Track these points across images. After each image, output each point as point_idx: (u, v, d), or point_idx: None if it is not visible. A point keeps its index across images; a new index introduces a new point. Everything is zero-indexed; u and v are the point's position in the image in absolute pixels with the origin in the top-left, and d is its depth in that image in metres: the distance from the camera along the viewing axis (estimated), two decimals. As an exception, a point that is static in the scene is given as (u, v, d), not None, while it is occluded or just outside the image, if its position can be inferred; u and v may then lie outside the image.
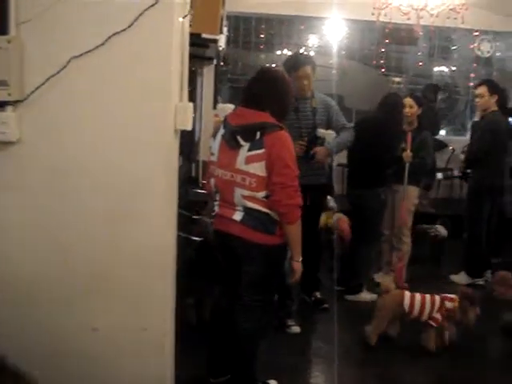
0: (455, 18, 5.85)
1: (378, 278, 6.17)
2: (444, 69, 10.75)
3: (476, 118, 8.54)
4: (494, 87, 6.29)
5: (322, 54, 9.85)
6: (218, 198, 3.64)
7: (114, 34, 2.78)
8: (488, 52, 10.22)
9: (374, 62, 10.08)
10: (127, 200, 3.00)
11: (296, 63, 5.02)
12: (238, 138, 3.41)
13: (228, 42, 8.17)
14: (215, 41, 4.88)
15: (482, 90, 6.26)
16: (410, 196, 6.09)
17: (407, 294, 4.73)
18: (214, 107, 7.57)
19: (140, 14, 2.76)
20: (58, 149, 2.95)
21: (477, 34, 9.73)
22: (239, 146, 3.41)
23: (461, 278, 6.43)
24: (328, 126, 5.13)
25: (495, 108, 6.28)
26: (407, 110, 6.03)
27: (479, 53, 10.22)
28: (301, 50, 9.66)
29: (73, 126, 2.91)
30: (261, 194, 3.41)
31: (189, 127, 3.11)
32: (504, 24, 8.70)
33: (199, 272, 4.46)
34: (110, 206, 3.00)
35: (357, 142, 5.37)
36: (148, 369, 3.17)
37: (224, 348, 3.86)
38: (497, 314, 5.10)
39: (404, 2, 5.91)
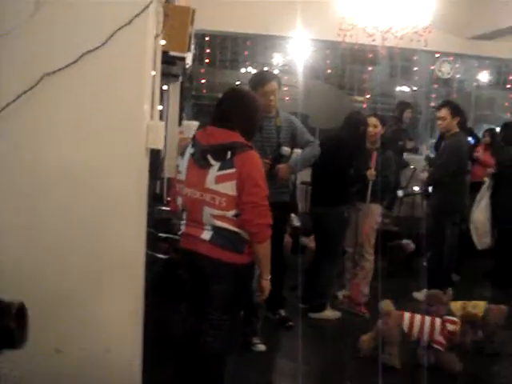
0: (418, 41, 5.94)
1: (341, 295, 6.22)
2: (406, 89, 10.94)
3: (434, 140, 8.74)
4: (455, 109, 6.33)
5: (286, 72, 9.93)
6: (184, 217, 3.62)
7: (86, 52, 2.77)
8: (448, 73, 10.44)
9: (338, 82, 10.22)
10: (97, 217, 2.99)
11: (262, 79, 5.05)
12: (209, 157, 3.41)
13: (193, 59, 8.20)
14: (183, 58, 4.89)
15: (444, 112, 6.28)
16: (373, 214, 6.14)
17: (407, 314, 4.72)
18: (179, 124, 7.56)
19: (113, 33, 2.77)
20: (30, 162, 2.92)
21: (438, 55, 9.95)
22: (209, 166, 3.41)
23: (422, 295, 6.47)
24: (292, 144, 5.17)
25: (457, 129, 6.35)
26: (371, 129, 6.07)
27: (440, 74, 10.44)
28: (265, 68, 9.75)
29: (44, 142, 2.90)
30: (230, 213, 3.41)
31: (160, 146, 3.12)
32: (464, 47, 8.91)
33: (165, 290, 4.43)
34: (80, 223, 2.97)
35: (320, 160, 5.42)
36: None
37: (191, 367, 3.83)
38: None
39: (369, 24, 5.99)
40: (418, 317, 4.71)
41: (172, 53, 4.60)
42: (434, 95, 10.64)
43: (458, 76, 10.66)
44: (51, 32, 2.82)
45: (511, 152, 7.30)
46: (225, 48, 10.01)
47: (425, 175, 6.66)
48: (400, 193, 8.24)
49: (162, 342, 4.53)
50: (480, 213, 7.16)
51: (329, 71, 10.16)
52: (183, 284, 3.89)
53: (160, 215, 5.71)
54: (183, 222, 3.62)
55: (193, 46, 5.86)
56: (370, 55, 8.51)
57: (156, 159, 6.53)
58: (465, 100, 10.04)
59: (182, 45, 4.39)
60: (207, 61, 9.95)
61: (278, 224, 5.10)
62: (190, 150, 3.56)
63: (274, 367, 4.85)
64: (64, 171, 2.93)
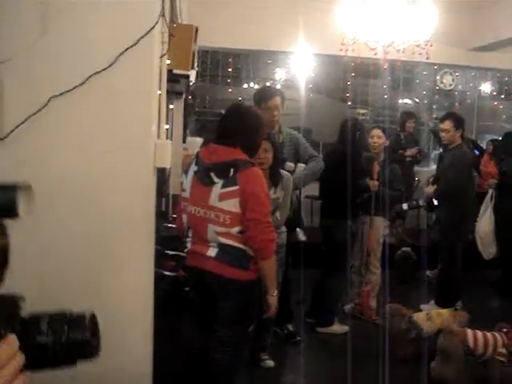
0: (420, 54, 5.96)
1: (350, 307, 6.23)
2: (408, 101, 10.98)
3: (440, 150, 8.73)
4: (458, 121, 6.31)
5: (289, 87, 9.99)
6: (190, 235, 3.63)
7: (93, 74, 2.79)
8: (450, 85, 10.50)
9: (340, 95, 10.26)
10: (107, 236, 3.00)
11: (266, 94, 5.08)
12: (212, 175, 3.42)
13: (196, 75, 8.25)
14: (187, 76, 4.93)
15: (448, 124, 6.27)
16: (377, 227, 6.15)
17: (469, 331, 4.68)
18: (184, 141, 7.59)
19: (120, 54, 2.79)
20: (36, 180, 2.93)
21: (437, 67, 9.99)
22: (212, 183, 3.42)
23: (430, 307, 6.45)
24: (296, 160, 5.19)
25: (460, 141, 6.34)
26: (375, 140, 6.11)
27: (441, 85, 10.50)
28: (267, 84, 9.80)
29: (52, 164, 2.91)
30: (235, 230, 3.42)
31: (168, 165, 3.14)
32: (465, 58, 8.94)
33: (173, 307, 4.43)
34: (89, 243, 2.98)
35: (325, 174, 5.45)
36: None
37: (200, 384, 3.84)
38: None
39: (371, 38, 6.02)
40: (479, 332, 4.67)
41: (176, 71, 4.63)
42: (435, 107, 10.69)
43: (459, 87, 10.70)
44: (58, 54, 2.84)
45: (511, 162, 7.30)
46: (227, 64, 10.06)
47: (430, 189, 6.59)
48: (404, 206, 8.23)
49: (171, 359, 4.53)
50: (484, 223, 7.15)
51: (331, 85, 10.20)
52: (190, 301, 3.90)
53: (166, 232, 5.72)
54: (189, 239, 3.63)
55: (196, 64, 5.91)
56: (372, 69, 8.54)
57: (162, 176, 6.56)
58: (467, 111, 10.08)
59: (185, 63, 4.42)
60: (210, 77, 9.99)
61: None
62: (193, 168, 3.58)
63: (283, 383, 4.84)
64: (73, 190, 2.94)
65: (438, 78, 10.38)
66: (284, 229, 4.77)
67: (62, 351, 1.08)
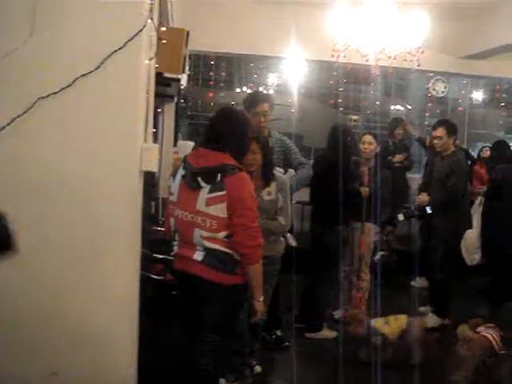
0: (411, 61, 5.98)
1: (337, 314, 6.21)
2: (400, 107, 11.01)
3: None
4: (451, 128, 6.23)
5: (281, 92, 10.01)
6: (177, 238, 3.63)
7: (80, 76, 2.79)
8: (442, 92, 10.52)
9: (332, 101, 10.27)
10: (92, 239, 3.00)
11: (254, 100, 5.08)
12: (199, 179, 3.40)
13: (188, 79, 8.23)
14: (178, 79, 4.92)
15: (440, 131, 6.18)
16: (368, 233, 6.14)
17: (489, 335, 4.68)
18: (175, 144, 7.57)
19: (107, 57, 2.79)
20: (24, 183, 2.93)
21: (431, 74, 10.02)
22: (200, 188, 3.40)
23: (431, 320, 6.20)
24: (285, 165, 5.19)
25: (453, 148, 6.28)
26: (366, 146, 6.10)
27: (434, 92, 10.52)
28: (260, 89, 9.81)
29: (37, 165, 2.90)
30: (221, 235, 3.41)
31: (154, 168, 3.13)
32: (457, 66, 8.95)
33: (159, 311, 4.41)
34: (75, 245, 2.98)
35: (316, 180, 5.44)
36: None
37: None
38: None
39: (363, 44, 6.03)
40: (493, 333, 4.71)
41: (166, 74, 4.62)
42: (427, 113, 10.72)
43: (452, 95, 10.73)
44: (45, 56, 2.84)
45: (502, 170, 7.33)
46: (220, 68, 10.06)
47: (424, 198, 6.40)
48: (400, 217, 8.22)
49: (157, 362, 4.51)
50: (471, 229, 7.15)
51: (323, 91, 10.23)
52: (177, 305, 3.88)
53: (155, 236, 5.70)
54: (176, 242, 3.63)
55: (187, 67, 5.90)
56: (365, 75, 8.54)
57: (151, 180, 6.55)
58: (458, 118, 10.11)
59: (176, 66, 4.40)
60: (202, 81, 9.99)
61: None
62: (181, 172, 3.55)
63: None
64: (58, 192, 2.94)
65: (430, 85, 10.41)
66: (282, 239, 4.64)
67: None
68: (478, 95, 11.04)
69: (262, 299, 3.61)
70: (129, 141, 2.93)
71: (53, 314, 3.02)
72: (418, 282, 7.59)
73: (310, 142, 9.69)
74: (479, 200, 7.35)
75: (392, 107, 10.92)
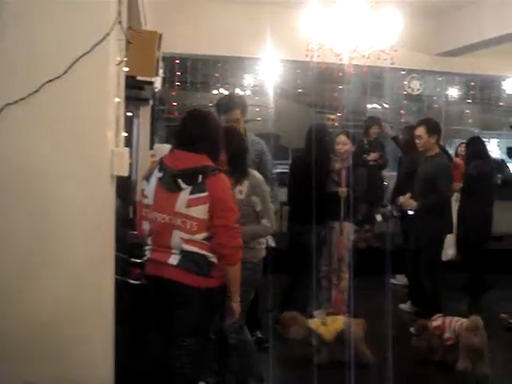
0: (385, 59, 5.99)
1: (317, 314, 6.21)
2: (377, 106, 11.05)
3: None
4: (432, 127, 6.14)
5: (257, 93, 10.01)
6: (150, 243, 3.60)
7: (48, 81, 2.77)
8: (418, 89, 10.58)
9: (309, 101, 10.29)
10: (64, 243, 2.97)
11: (226, 106, 5.01)
12: (179, 181, 3.39)
13: (164, 82, 8.21)
14: (151, 83, 4.89)
15: (420, 131, 6.13)
16: (346, 232, 6.15)
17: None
18: (151, 147, 7.55)
19: (74, 62, 2.77)
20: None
21: (403, 72, 10.09)
22: (180, 190, 3.39)
23: (408, 306, 6.59)
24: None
25: (437, 150, 6.19)
26: (340, 146, 6.10)
27: (409, 90, 10.58)
28: (236, 90, 9.81)
29: (6, 172, 2.87)
30: (200, 237, 3.40)
31: (126, 173, 3.11)
32: (431, 63, 9.01)
33: (137, 315, 4.39)
34: (45, 248, 2.95)
35: (293, 180, 5.44)
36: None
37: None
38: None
39: (336, 43, 6.04)
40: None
41: (140, 78, 4.60)
42: (403, 111, 10.78)
43: (427, 92, 10.80)
44: (13, 62, 2.81)
45: (477, 166, 7.38)
46: (196, 70, 10.05)
47: (409, 201, 6.23)
48: (379, 217, 8.25)
49: (135, 368, 4.48)
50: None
51: (299, 91, 10.24)
52: (153, 309, 3.85)
53: (133, 240, 5.66)
54: (148, 247, 3.59)
55: (161, 70, 5.88)
56: (340, 74, 8.56)
57: (128, 184, 6.52)
58: (435, 115, 10.15)
59: (149, 70, 4.38)
60: (179, 83, 9.96)
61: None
62: (157, 174, 3.53)
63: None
64: (27, 198, 2.91)
65: (405, 83, 10.46)
66: (263, 245, 4.44)
67: None
68: (454, 92, 11.11)
69: (239, 300, 3.61)
70: (99, 145, 2.91)
71: (23, 320, 2.99)
72: (398, 280, 7.63)
73: (287, 142, 9.70)
74: (455, 196, 7.40)
75: (369, 106, 10.95)
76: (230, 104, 5.02)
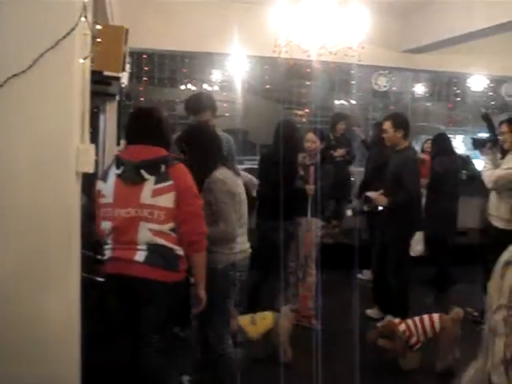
0: (353, 56, 6.00)
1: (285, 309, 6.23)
2: (344, 102, 11.12)
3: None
4: (398, 122, 6.10)
5: (225, 89, 9.99)
6: (111, 241, 3.54)
7: (12, 76, 2.72)
8: (385, 86, 10.67)
9: (277, 97, 10.32)
10: (28, 241, 2.92)
11: (195, 107, 4.98)
12: (142, 172, 3.41)
13: (131, 77, 8.14)
14: (118, 78, 4.85)
15: (387, 125, 6.10)
16: (313, 228, 6.18)
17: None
18: (118, 143, 7.49)
19: (39, 56, 2.73)
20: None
21: (373, 69, 10.16)
22: (143, 180, 3.41)
23: (376, 312, 6.43)
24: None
25: (406, 144, 6.15)
26: (309, 144, 6.12)
27: (376, 87, 10.67)
28: (204, 85, 9.79)
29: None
30: (168, 227, 3.42)
31: (91, 170, 3.08)
32: (398, 60, 9.07)
33: (103, 313, 4.34)
34: (5, 250, 2.91)
35: (262, 176, 5.44)
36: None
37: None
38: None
39: (304, 40, 6.04)
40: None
41: (106, 73, 4.55)
42: (370, 108, 10.87)
43: (394, 89, 10.89)
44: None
45: (443, 162, 7.46)
46: (163, 65, 9.99)
47: (381, 198, 6.14)
48: (349, 212, 8.28)
49: (103, 367, 4.44)
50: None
51: (267, 86, 10.25)
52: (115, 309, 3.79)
53: (98, 238, 5.60)
54: (108, 246, 3.55)
55: (128, 66, 5.82)
56: (308, 70, 8.60)
57: (93, 181, 6.45)
58: (401, 112, 10.25)
59: (116, 65, 4.33)
60: (146, 79, 9.90)
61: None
62: (115, 171, 3.53)
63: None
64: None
65: (372, 79, 10.55)
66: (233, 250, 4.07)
67: None
68: (420, 89, 11.21)
69: (204, 287, 3.62)
70: (64, 141, 2.88)
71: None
72: (365, 275, 7.69)
73: (254, 137, 9.70)
74: (423, 193, 7.47)
75: (336, 102, 11.01)
76: (200, 106, 4.99)
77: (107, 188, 3.52)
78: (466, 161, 8.91)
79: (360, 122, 10.69)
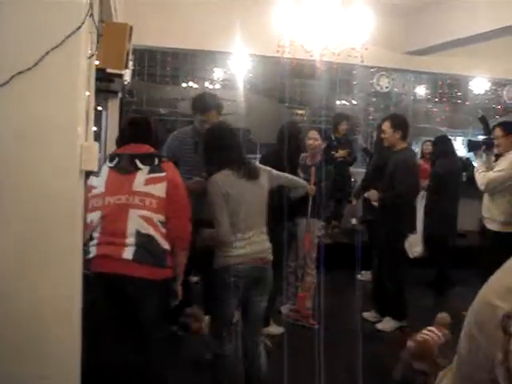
0: (355, 56, 6.02)
1: (287, 309, 6.25)
2: (345, 102, 11.10)
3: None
4: (397, 123, 6.11)
5: (227, 87, 9.97)
6: (97, 236, 3.52)
7: (17, 74, 2.72)
8: (386, 87, 10.69)
9: (279, 96, 10.30)
10: (32, 238, 2.92)
11: (202, 107, 5.06)
12: (137, 161, 3.53)
13: (133, 74, 8.14)
14: (120, 75, 4.86)
15: (386, 125, 6.11)
16: (313, 229, 6.18)
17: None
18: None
19: (45, 55, 2.73)
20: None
21: (372, 70, 10.17)
22: (137, 170, 3.51)
23: (387, 324, 6.26)
24: None
25: (404, 145, 6.15)
26: (311, 141, 6.12)
27: (378, 88, 10.68)
28: (206, 84, 9.78)
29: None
30: (158, 218, 3.46)
31: (95, 168, 3.08)
32: (400, 62, 9.11)
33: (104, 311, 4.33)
34: (9, 247, 2.91)
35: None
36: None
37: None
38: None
39: (307, 40, 6.05)
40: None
41: (109, 70, 4.56)
42: (371, 108, 10.85)
43: (395, 90, 10.89)
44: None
45: (444, 164, 7.47)
46: (166, 63, 9.97)
47: (373, 195, 6.25)
48: (354, 221, 8.30)
49: (102, 364, 4.44)
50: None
51: (269, 86, 10.23)
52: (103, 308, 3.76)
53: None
54: (93, 242, 3.52)
55: (131, 63, 5.83)
56: (311, 70, 8.59)
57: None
58: (402, 113, 10.24)
59: (119, 62, 4.33)
60: (148, 76, 9.88)
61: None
62: (108, 164, 3.62)
63: None
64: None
65: (374, 80, 10.55)
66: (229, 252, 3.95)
67: None
68: (421, 90, 11.20)
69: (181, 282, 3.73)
70: (69, 140, 2.88)
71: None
72: (365, 276, 7.69)
73: (256, 136, 9.68)
74: (421, 194, 7.48)
75: (338, 102, 10.99)
76: (206, 105, 5.10)
77: (99, 180, 3.58)
78: (466, 163, 8.90)
79: (361, 123, 10.68)
